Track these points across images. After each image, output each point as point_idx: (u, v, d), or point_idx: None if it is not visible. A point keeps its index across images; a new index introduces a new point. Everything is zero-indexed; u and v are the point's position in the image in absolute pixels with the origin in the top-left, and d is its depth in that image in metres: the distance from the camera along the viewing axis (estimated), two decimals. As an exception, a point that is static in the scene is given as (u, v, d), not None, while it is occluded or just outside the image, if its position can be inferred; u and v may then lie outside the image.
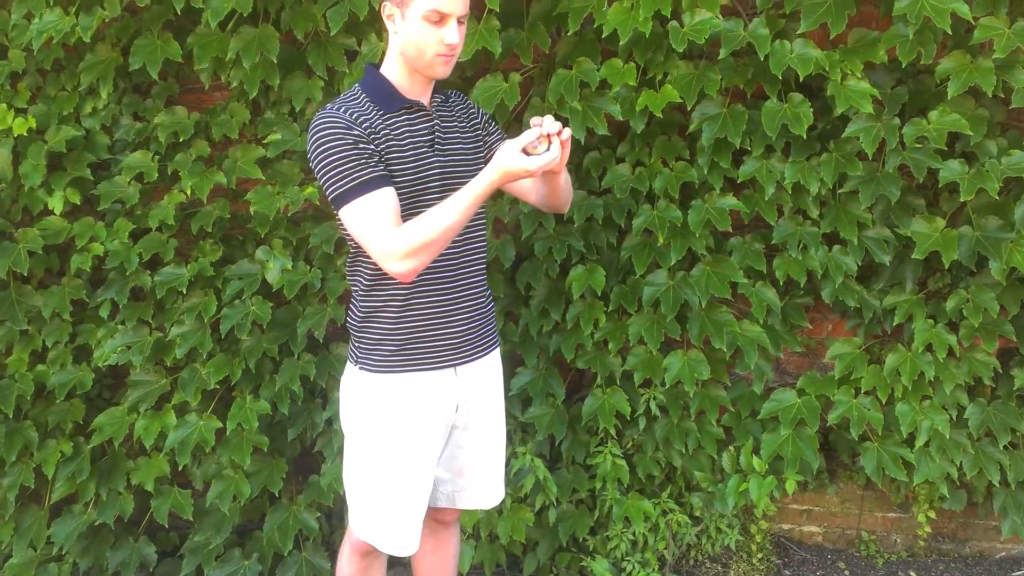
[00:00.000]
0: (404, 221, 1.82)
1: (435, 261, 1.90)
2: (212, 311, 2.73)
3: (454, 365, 2.02)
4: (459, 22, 1.82)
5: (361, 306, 2.00)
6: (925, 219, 2.64)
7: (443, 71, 1.86)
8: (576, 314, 2.78)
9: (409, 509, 2.04)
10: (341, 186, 1.78)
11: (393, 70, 1.90)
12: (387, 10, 1.85)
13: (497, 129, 2.14)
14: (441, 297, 1.96)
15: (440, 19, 1.79)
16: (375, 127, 1.83)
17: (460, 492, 2.21)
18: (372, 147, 1.80)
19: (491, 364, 2.15)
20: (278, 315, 2.79)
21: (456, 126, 2.00)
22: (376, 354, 1.99)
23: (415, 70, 1.87)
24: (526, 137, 1.74)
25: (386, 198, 1.79)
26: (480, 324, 2.06)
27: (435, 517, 2.29)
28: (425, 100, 1.94)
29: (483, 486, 2.21)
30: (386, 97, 1.87)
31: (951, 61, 2.47)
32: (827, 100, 2.51)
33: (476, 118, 2.08)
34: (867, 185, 2.60)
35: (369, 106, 1.86)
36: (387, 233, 1.76)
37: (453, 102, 2.04)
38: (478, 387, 2.10)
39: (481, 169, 1.87)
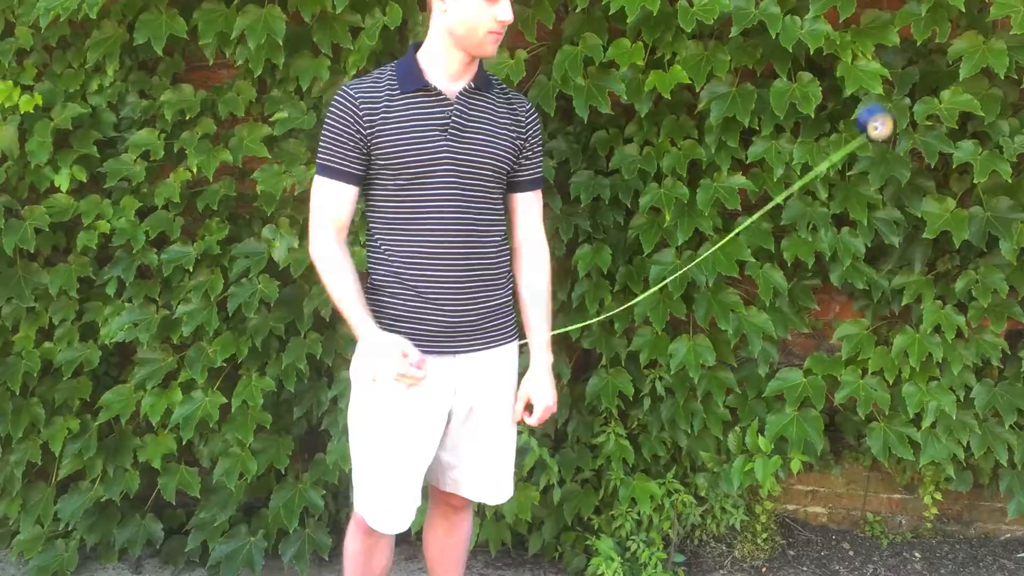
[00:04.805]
0: (411, 198, 1.93)
1: (442, 253, 1.95)
2: (219, 289, 2.73)
3: (452, 352, 2.02)
4: None
5: (371, 273, 2.05)
6: (935, 199, 2.62)
7: (492, 49, 1.93)
8: (582, 293, 2.77)
9: (394, 486, 2.03)
10: (318, 158, 1.96)
11: (432, 51, 1.95)
12: None
13: (538, 139, 2.11)
14: (443, 284, 1.96)
15: None
16: (377, 108, 1.91)
17: (461, 480, 2.19)
18: (360, 135, 1.91)
19: (500, 358, 2.11)
20: (284, 294, 2.78)
21: (486, 117, 1.99)
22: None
23: (462, 49, 1.92)
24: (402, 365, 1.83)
25: (336, 192, 1.95)
26: (488, 317, 2.04)
27: (446, 501, 2.29)
28: (457, 84, 1.96)
29: (485, 479, 2.18)
30: (408, 77, 1.94)
31: (964, 42, 2.45)
32: (837, 80, 2.49)
33: (521, 121, 2.06)
34: (877, 167, 2.58)
35: (388, 84, 1.94)
36: (318, 224, 1.96)
37: (497, 95, 2.03)
38: (482, 378, 2.07)
39: (502, 163, 1.99)
